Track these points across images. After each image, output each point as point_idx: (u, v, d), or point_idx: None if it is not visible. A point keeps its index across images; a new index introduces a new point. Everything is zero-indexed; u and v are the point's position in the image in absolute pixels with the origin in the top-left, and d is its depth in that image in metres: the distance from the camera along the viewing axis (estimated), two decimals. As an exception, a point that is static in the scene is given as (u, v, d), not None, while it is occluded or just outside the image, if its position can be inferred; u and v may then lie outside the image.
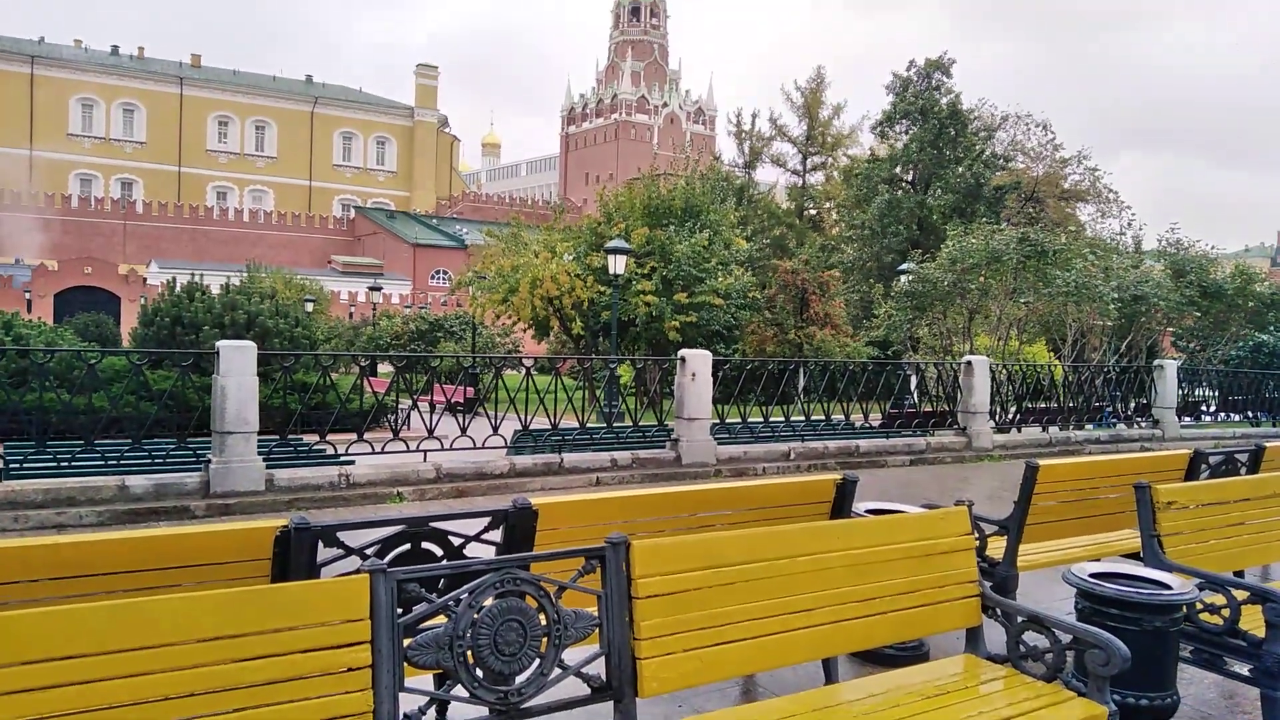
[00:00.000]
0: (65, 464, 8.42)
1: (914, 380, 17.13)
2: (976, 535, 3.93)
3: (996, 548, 4.82)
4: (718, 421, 11.71)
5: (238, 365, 8.16)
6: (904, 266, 26.09)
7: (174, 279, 23.90)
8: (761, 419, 12.35)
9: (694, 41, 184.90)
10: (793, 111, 46.07)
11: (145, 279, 60.41)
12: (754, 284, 28.52)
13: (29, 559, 2.66)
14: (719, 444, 11.18)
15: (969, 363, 13.54)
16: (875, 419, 14.59)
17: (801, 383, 14.33)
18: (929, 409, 14.64)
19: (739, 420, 12.13)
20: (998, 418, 14.33)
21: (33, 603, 2.49)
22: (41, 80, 79.86)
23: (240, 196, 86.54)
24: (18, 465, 8.40)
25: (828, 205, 47.16)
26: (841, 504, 4.17)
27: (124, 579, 2.70)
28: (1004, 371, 15.10)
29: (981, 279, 21.89)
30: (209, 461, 8.18)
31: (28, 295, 54.59)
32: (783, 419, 12.94)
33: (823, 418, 12.98)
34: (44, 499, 7.54)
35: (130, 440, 8.90)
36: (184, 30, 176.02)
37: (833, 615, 3.08)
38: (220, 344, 8.33)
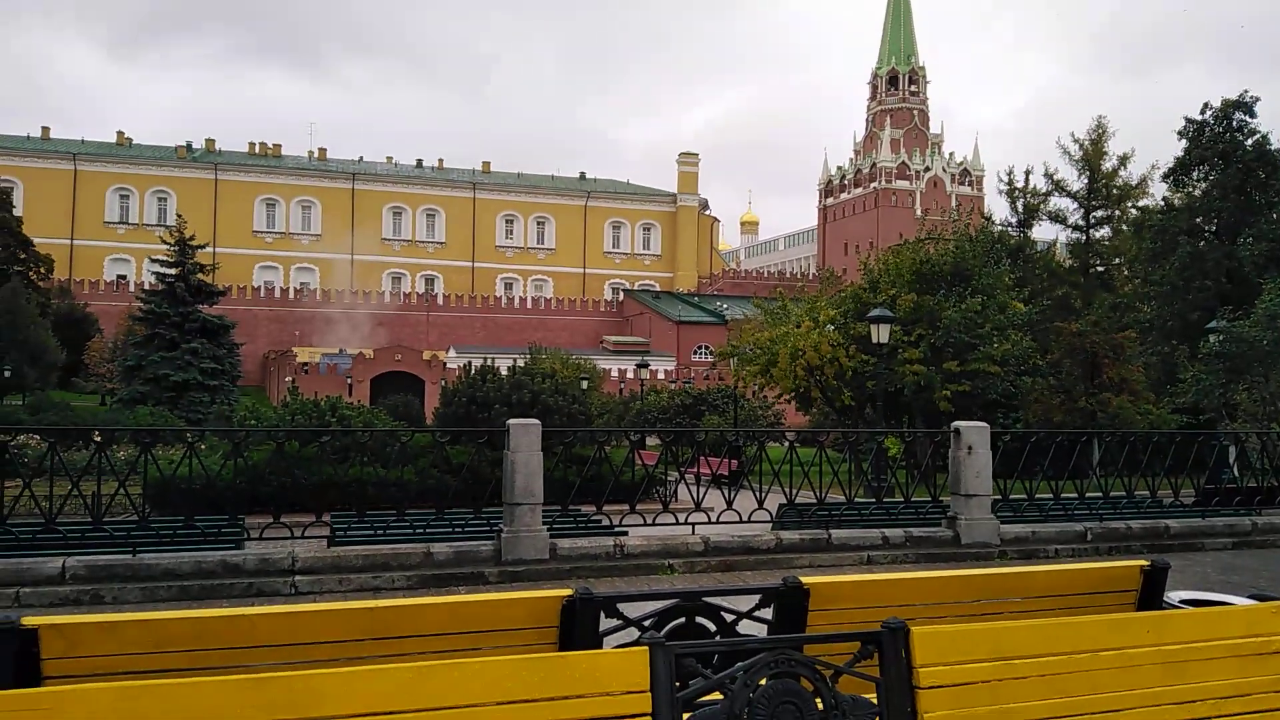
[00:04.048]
0: (381, 532, 9.43)
1: (1233, 452, 15.13)
2: (1325, 635, 3.37)
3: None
4: (1000, 498, 10.93)
5: (525, 442, 8.78)
6: (1213, 325, 23.35)
7: (469, 363, 26.28)
8: (1051, 495, 11.38)
9: (957, 102, 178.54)
10: (1070, 165, 42.92)
11: (445, 363, 66.90)
12: (1034, 349, 26.61)
13: (353, 621, 3.01)
14: (1002, 523, 10.43)
15: (1304, 432, 11.77)
16: (1185, 496, 13.01)
17: (1096, 456, 13.06)
18: (1254, 485, 12.84)
19: (1024, 497, 11.26)
20: (1346, 495, 12.27)
21: (349, 661, 2.80)
22: (360, 194, 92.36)
23: (524, 285, 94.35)
24: (343, 533, 9.52)
25: (1117, 261, 43.18)
26: (1150, 594, 3.75)
27: (432, 641, 2.98)
28: (1350, 441, 12.95)
29: (1313, 335, 19.09)
30: (500, 531, 8.82)
31: (349, 381, 62.21)
32: (1076, 495, 11.86)
33: (1123, 494, 11.75)
34: (363, 564, 8.46)
35: (434, 510, 9.83)
36: (479, 141, 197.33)
37: (1144, 719, 2.76)
38: (510, 422, 9.02)
